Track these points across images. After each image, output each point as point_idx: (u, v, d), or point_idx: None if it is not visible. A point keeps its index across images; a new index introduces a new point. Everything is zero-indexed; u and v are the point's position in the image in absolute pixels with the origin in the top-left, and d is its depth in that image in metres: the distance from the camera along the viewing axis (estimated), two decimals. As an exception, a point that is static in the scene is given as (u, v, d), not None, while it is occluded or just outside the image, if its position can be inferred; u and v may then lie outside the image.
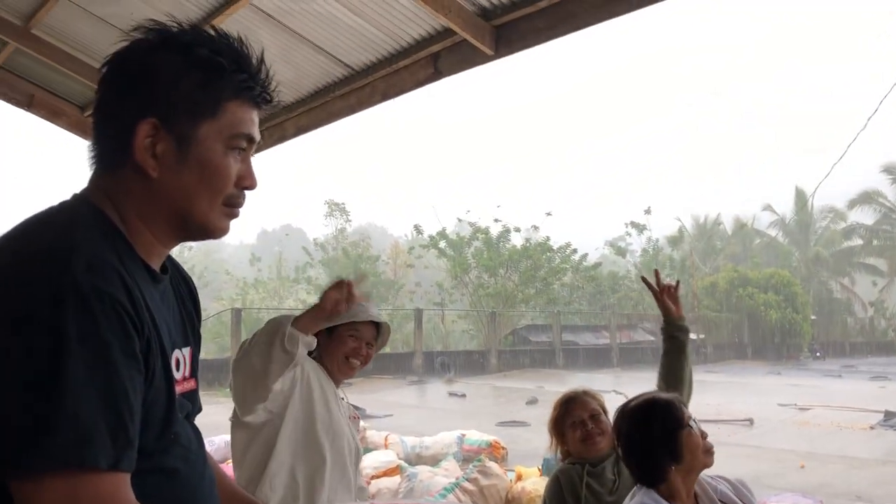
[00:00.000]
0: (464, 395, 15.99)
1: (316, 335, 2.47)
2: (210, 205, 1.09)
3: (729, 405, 12.27)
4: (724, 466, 2.26)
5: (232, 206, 1.12)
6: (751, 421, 10.99)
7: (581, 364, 26.38)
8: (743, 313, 31.87)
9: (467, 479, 4.08)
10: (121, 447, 0.90)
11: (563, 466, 2.91)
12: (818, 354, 32.52)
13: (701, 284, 33.44)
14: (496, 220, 29.02)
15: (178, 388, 1.08)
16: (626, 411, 2.33)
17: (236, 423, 2.35)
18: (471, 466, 4.28)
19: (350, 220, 40.05)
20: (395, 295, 33.70)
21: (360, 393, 15.25)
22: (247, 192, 1.13)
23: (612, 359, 27.81)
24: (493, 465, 4.22)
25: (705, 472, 2.33)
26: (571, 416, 2.92)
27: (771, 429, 10.54)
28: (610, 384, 15.18)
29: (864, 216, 43.26)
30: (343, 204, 39.38)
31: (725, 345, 31.90)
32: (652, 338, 30.81)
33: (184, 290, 1.25)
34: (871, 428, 10.40)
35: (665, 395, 2.30)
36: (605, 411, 2.97)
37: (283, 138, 4.58)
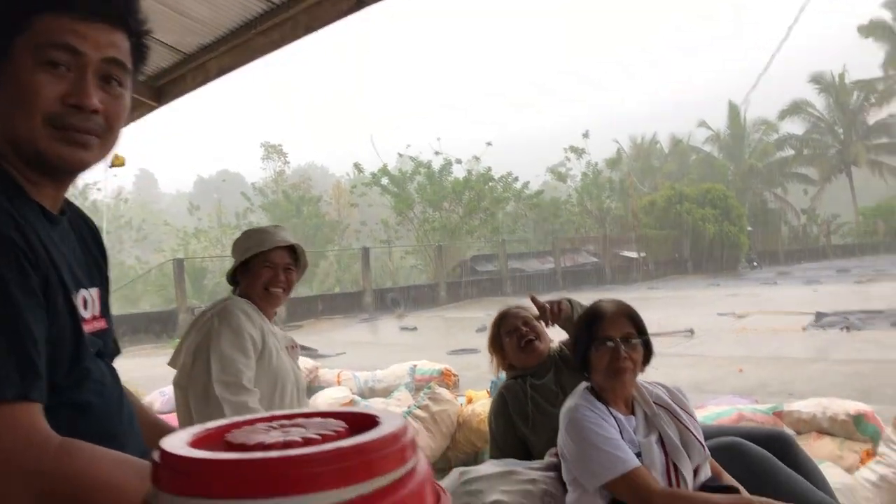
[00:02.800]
0: (415, 329, 16.15)
1: (234, 272, 2.48)
2: (28, 126, 1.01)
3: (671, 318, 12.68)
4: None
5: (63, 129, 1.02)
6: (691, 332, 11.38)
7: (528, 290, 26.79)
8: (682, 229, 32.64)
9: (419, 407, 4.17)
10: (29, 379, 0.90)
11: (507, 383, 2.93)
12: (755, 264, 33.66)
13: (640, 204, 34.07)
14: (437, 153, 28.91)
15: (87, 328, 1.09)
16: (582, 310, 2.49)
17: (182, 390, 2.35)
18: (422, 394, 4.36)
19: (288, 162, 39.44)
20: (341, 235, 33.54)
21: (312, 334, 15.27)
22: (86, 111, 1.03)
23: (558, 282, 28.36)
24: (444, 391, 4.30)
25: (644, 379, 2.41)
26: (506, 326, 2.96)
27: (711, 338, 10.94)
28: (557, 307, 15.49)
29: (795, 126, 44.52)
30: (280, 146, 38.69)
31: (666, 261, 32.74)
32: (595, 259, 31.49)
33: (86, 233, 1.24)
34: (804, 329, 10.90)
35: (599, 307, 2.33)
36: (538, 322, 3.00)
37: (206, 80, 4.42)
